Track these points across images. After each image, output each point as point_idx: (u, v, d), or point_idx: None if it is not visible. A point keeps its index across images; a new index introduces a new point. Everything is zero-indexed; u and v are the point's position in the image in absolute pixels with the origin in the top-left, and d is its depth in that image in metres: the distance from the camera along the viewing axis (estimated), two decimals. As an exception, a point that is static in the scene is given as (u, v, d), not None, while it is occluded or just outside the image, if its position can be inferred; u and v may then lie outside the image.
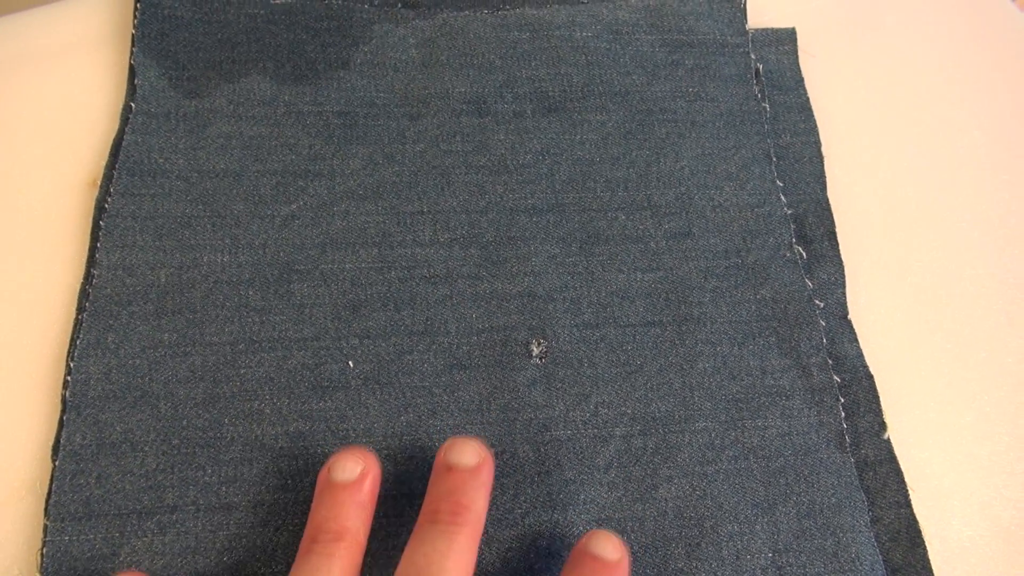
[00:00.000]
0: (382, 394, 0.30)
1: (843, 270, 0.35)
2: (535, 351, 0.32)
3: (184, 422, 0.29)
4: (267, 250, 0.32)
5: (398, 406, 0.30)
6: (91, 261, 0.31)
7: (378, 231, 0.33)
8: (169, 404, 0.29)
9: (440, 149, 0.35)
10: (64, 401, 0.29)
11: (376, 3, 0.37)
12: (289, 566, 0.25)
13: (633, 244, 0.34)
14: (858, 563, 0.29)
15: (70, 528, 0.27)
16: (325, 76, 0.36)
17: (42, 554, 0.26)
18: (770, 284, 0.34)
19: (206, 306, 0.31)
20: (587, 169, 0.35)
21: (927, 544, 0.30)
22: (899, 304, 0.35)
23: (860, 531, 0.30)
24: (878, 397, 0.32)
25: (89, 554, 0.27)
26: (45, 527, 0.27)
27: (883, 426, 0.32)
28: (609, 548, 0.25)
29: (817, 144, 0.38)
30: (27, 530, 0.28)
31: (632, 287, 0.33)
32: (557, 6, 0.39)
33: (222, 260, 0.32)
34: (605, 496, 0.29)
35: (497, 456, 0.30)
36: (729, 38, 0.39)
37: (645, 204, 0.35)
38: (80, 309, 0.30)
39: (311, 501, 0.27)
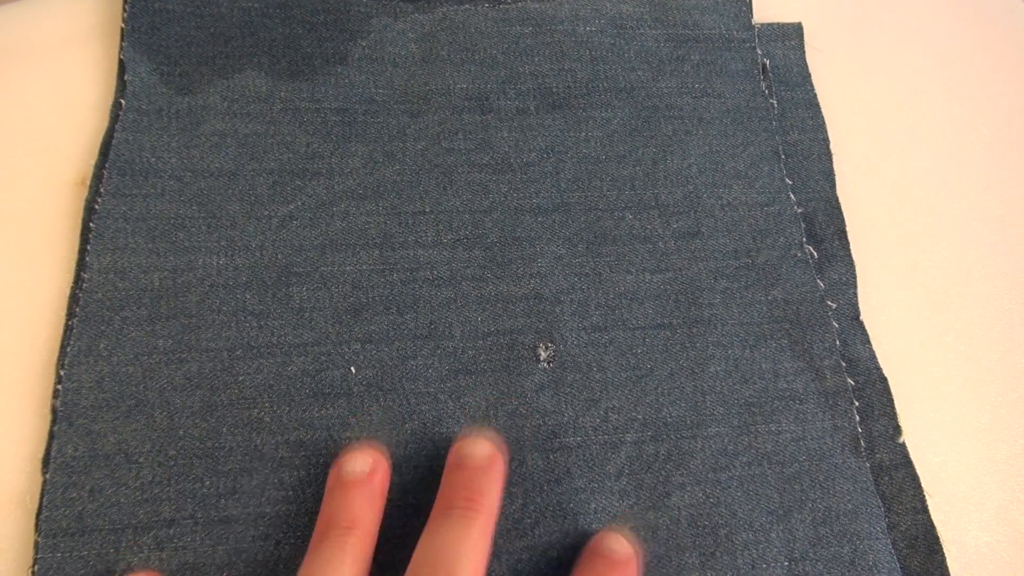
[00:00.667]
0: (385, 401, 0.29)
1: (854, 270, 0.34)
2: (543, 355, 0.31)
3: (180, 432, 0.28)
4: (264, 252, 0.31)
5: (402, 413, 0.29)
6: (81, 264, 0.30)
7: (379, 232, 0.32)
8: (165, 413, 0.28)
9: (442, 147, 0.34)
10: (54, 411, 0.28)
11: (374, -4, 0.36)
12: (293, 582, 0.25)
13: (641, 244, 0.33)
14: (876, 571, 0.28)
15: (63, 544, 0.26)
16: (322, 72, 0.35)
17: (33, 572, 0.26)
18: (781, 285, 0.33)
19: (202, 311, 0.30)
20: (593, 167, 0.34)
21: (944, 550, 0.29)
22: (910, 304, 0.34)
23: (877, 538, 0.29)
24: (892, 400, 0.32)
25: (83, 571, 0.26)
26: (36, 544, 0.26)
27: (898, 430, 0.31)
28: (618, 546, 0.25)
29: (825, 141, 0.37)
30: (17, 547, 0.26)
31: (641, 288, 0.32)
32: (559, 0, 0.38)
33: (218, 263, 0.31)
34: (616, 504, 0.29)
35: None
36: (735, 33, 0.38)
37: (653, 203, 0.34)
38: (70, 315, 0.29)
39: (314, 513, 0.26)
